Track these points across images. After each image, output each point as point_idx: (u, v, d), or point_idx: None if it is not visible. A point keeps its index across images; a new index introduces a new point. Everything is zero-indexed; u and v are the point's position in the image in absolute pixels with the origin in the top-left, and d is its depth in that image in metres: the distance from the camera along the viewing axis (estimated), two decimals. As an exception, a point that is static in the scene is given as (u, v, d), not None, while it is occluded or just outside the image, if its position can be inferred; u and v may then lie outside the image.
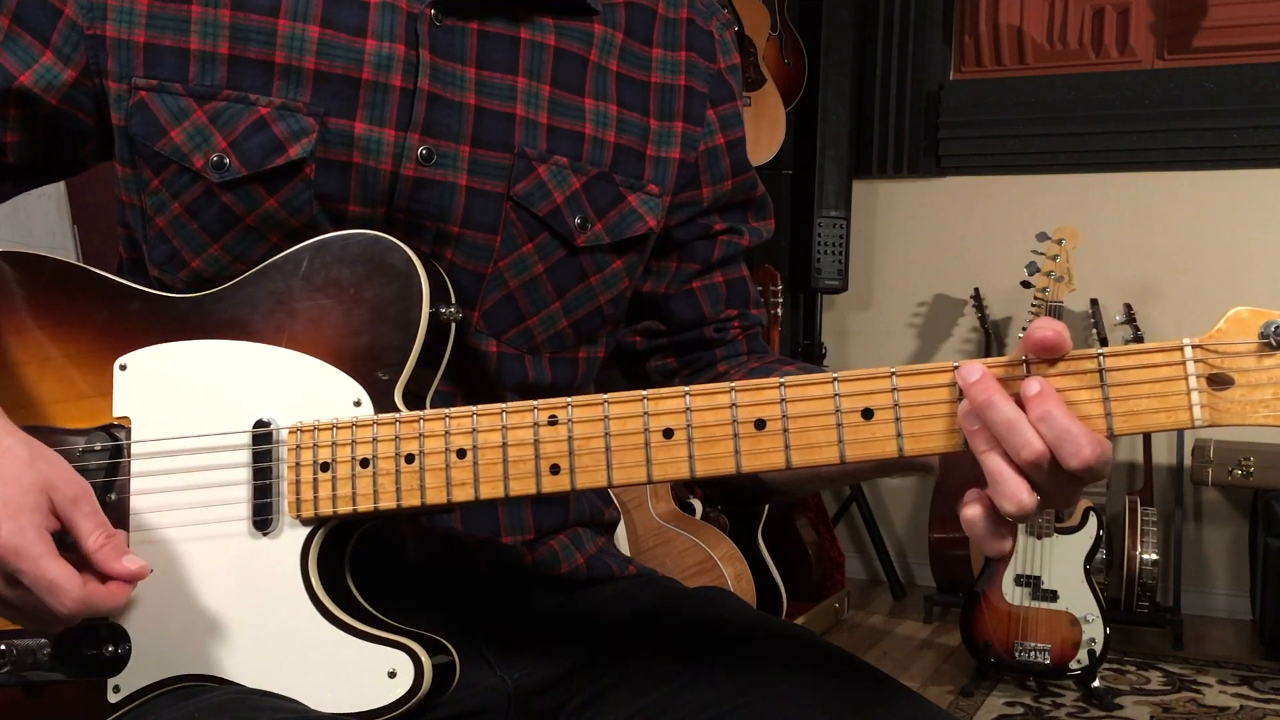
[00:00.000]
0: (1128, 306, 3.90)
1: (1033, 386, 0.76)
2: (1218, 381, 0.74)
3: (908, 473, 0.93)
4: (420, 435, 0.88)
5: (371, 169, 0.98)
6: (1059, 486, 0.77)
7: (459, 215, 1.01)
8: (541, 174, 1.03)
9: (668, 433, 0.83)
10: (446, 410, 0.88)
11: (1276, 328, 0.73)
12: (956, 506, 0.82)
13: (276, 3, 0.98)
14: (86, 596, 0.86)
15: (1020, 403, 0.76)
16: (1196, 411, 0.74)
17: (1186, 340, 0.74)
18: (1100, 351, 0.76)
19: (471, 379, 1.04)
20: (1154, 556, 3.70)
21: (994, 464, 0.76)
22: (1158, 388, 0.75)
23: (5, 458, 0.87)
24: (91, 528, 0.88)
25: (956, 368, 0.78)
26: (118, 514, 0.94)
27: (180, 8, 0.99)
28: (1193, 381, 0.74)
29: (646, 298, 1.17)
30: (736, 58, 1.18)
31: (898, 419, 0.79)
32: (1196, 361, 0.74)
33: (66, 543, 0.87)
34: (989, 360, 0.78)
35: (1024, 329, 3.37)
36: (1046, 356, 0.77)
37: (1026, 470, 0.76)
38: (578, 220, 1.05)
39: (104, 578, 0.88)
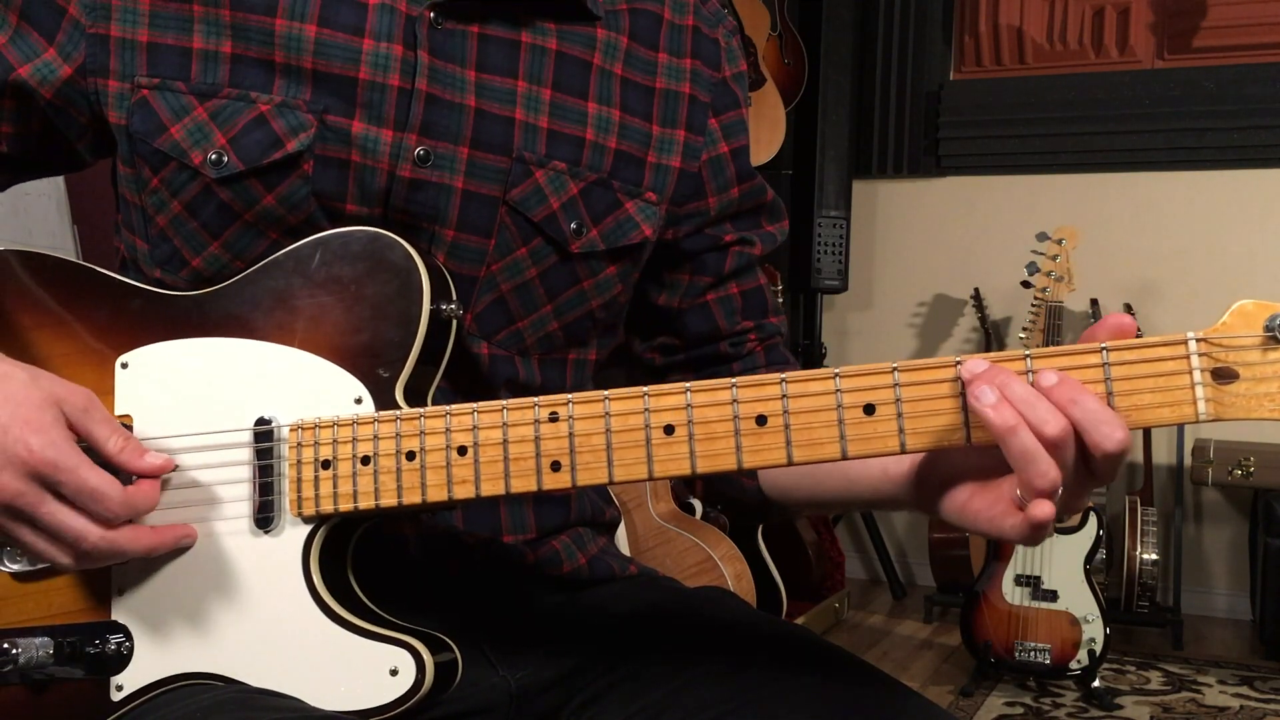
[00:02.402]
0: (1128, 306, 3.91)
1: (1050, 377, 0.75)
2: (1222, 375, 0.74)
3: (898, 507, 0.93)
4: (421, 433, 0.88)
5: (369, 168, 0.98)
6: (1073, 480, 0.77)
7: (453, 218, 1.01)
8: (539, 179, 1.03)
9: (669, 429, 0.83)
10: (447, 407, 0.88)
11: (1282, 321, 0.73)
12: (954, 517, 0.84)
13: (274, 2, 0.98)
14: (128, 498, 0.88)
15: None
16: (1201, 406, 0.74)
17: (1190, 334, 0.74)
18: (1104, 345, 0.76)
19: (465, 379, 1.04)
20: (1154, 556, 3.70)
21: (1023, 441, 0.75)
22: (1162, 382, 0.75)
23: (6, 382, 0.88)
24: (108, 433, 0.90)
25: (959, 362, 0.78)
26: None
27: (182, 7, 0.99)
28: (1197, 375, 0.74)
29: (661, 311, 1.17)
30: (743, 64, 1.17)
31: (900, 414, 0.79)
32: (1201, 355, 0.74)
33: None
34: (988, 355, 0.78)
35: (1024, 329, 3.37)
36: (1122, 338, 0.76)
37: (1049, 452, 0.75)
38: (573, 226, 1.04)
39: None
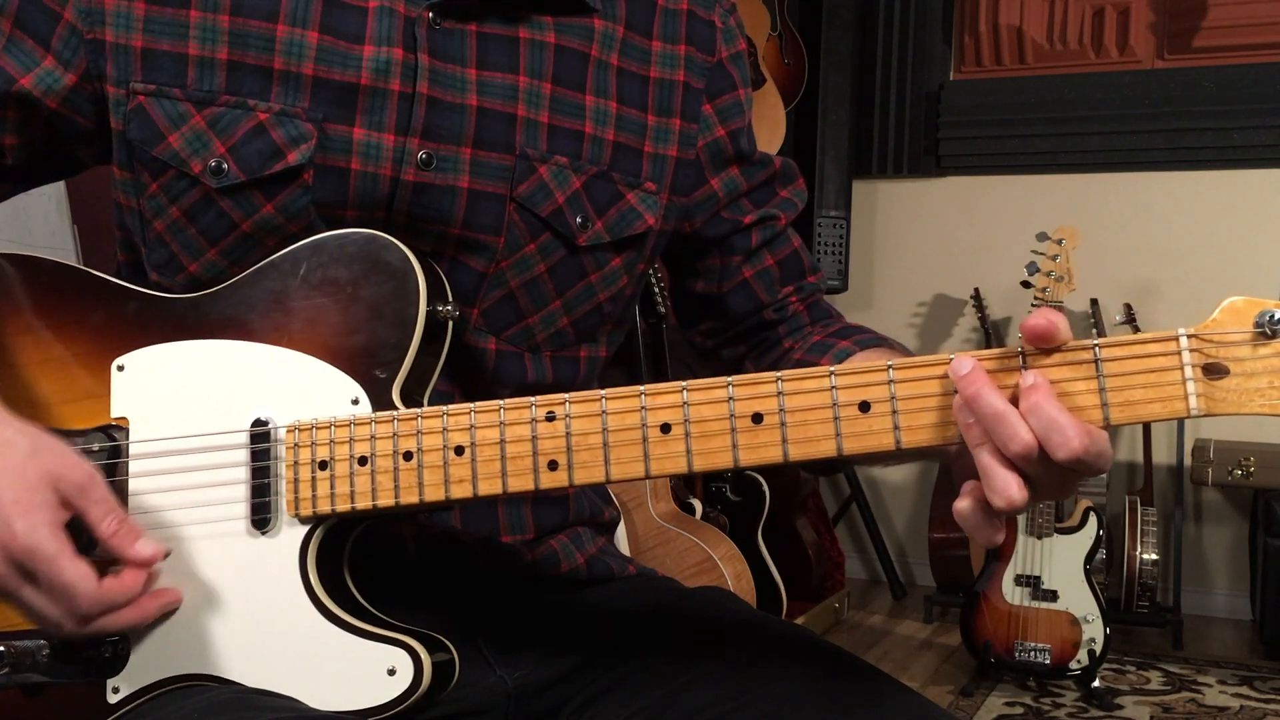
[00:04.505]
0: (1128, 306, 3.90)
1: (1027, 379, 0.76)
2: (1213, 371, 0.74)
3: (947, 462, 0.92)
4: (418, 433, 0.88)
5: (370, 174, 0.98)
6: (1052, 480, 0.77)
7: (460, 218, 1.00)
8: (543, 174, 1.03)
9: (665, 428, 0.83)
10: (444, 408, 0.88)
11: (1271, 317, 0.73)
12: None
13: (275, 8, 0.98)
14: (101, 595, 0.86)
15: (1016, 397, 0.76)
16: (1192, 401, 0.74)
17: (1181, 330, 0.74)
18: (1096, 342, 0.76)
19: (469, 378, 1.04)
20: (1154, 556, 3.70)
21: (984, 459, 0.76)
22: (1153, 378, 0.75)
23: (6, 452, 0.86)
24: (102, 514, 0.87)
25: (951, 360, 0.78)
26: (116, 514, 0.94)
27: (178, 13, 0.98)
28: (1188, 371, 0.74)
29: (703, 298, 1.18)
30: (741, 44, 1.16)
31: (894, 411, 0.79)
32: (1192, 351, 0.74)
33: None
34: (982, 353, 0.78)
35: (1024, 329, 3.36)
36: (1042, 345, 0.77)
37: (1017, 463, 0.76)
38: (579, 220, 1.04)
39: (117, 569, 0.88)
